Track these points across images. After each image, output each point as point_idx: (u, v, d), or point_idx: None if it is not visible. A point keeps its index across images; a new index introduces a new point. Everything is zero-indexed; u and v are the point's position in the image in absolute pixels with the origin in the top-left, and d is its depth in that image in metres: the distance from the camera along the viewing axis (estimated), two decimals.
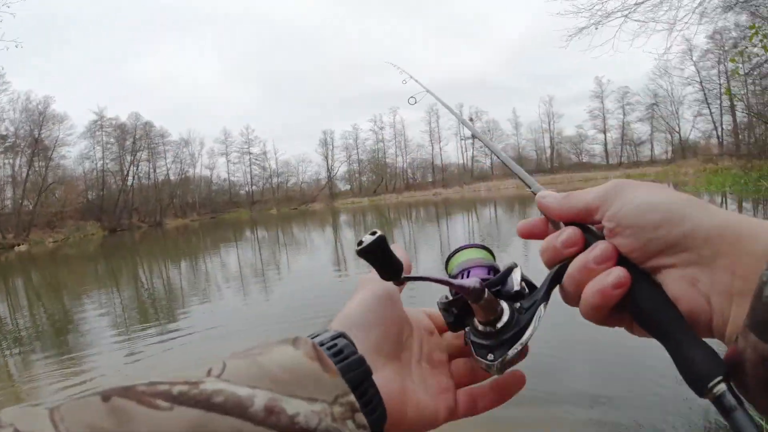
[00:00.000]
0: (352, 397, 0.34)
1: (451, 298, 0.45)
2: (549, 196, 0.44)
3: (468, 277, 0.46)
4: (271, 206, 70.16)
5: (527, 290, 0.43)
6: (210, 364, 0.34)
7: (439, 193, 61.88)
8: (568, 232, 0.40)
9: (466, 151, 74.60)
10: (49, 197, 53.28)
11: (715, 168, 31.05)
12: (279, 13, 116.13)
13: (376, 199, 65.18)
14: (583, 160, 70.74)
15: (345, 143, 76.46)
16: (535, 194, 0.47)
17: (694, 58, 47.82)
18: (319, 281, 9.63)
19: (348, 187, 77.72)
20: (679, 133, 61.41)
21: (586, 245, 0.39)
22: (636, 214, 0.36)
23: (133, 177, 65.47)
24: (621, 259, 0.36)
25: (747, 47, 6.80)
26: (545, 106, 73.19)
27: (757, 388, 0.30)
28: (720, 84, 44.28)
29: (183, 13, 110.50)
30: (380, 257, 0.39)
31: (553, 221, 0.44)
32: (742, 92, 13.04)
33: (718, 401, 0.31)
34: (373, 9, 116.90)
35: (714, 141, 54.92)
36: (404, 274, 0.41)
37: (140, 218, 63.11)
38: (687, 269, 0.33)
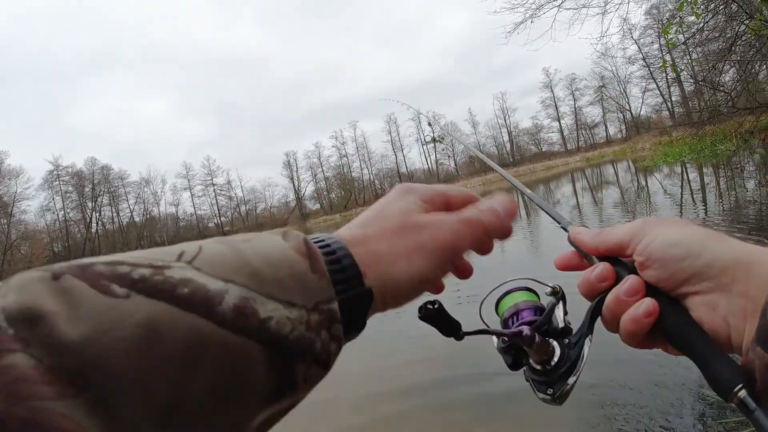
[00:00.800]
0: (334, 305, 0.32)
1: (507, 342, 0.49)
2: (582, 232, 0.48)
3: (519, 319, 0.50)
4: None
5: (570, 325, 0.48)
6: (185, 244, 0.29)
7: None
8: (600, 269, 0.45)
9: (430, 155, 75.45)
10: (15, 254, 51.32)
11: (669, 140, 32.16)
12: (223, 42, 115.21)
13: (348, 215, 65.05)
14: (543, 150, 72.40)
15: (309, 162, 76.28)
16: (566, 230, 0.52)
17: (634, 36, 49.69)
18: None
19: (318, 206, 77.38)
20: (630, 110, 63.56)
21: (618, 278, 0.44)
22: (662, 249, 0.40)
23: (97, 223, 63.70)
24: (652, 289, 0.42)
25: (681, 17, 7.05)
26: (499, 102, 74.76)
27: (764, 392, 0.35)
28: (662, 57, 46.06)
29: (124, 53, 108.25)
30: (439, 321, 0.45)
31: (585, 254, 0.48)
32: (686, 61, 13.56)
33: (741, 404, 0.36)
34: (318, 28, 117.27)
35: (665, 114, 57.05)
36: (462, 331, 0.45)
37: None
38: (708, 296, 0.38)
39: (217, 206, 74.66)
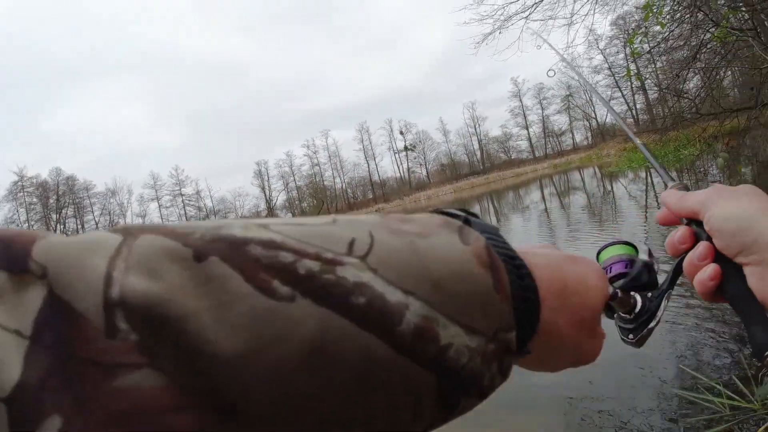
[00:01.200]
0: (512, 335, 0.27)
1: None
2: (670, 195, 0.52)
3: (610, 272, 0.55)
4: None
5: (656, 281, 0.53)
6: (347, 224, 0.24)
7: (382, 209, 62.30)
8: (681, 233, 0.50)
9: (402, 163, 75.90)
10: None
11: (634, 146, 33.22)
12: (196, 51, 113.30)
13: None
14: (512, 157, 73.86)
15: (281, 171, 75.61)
16: (666, 185, 0.57)
17: (600, 46, 51.45)
18: None
19: (290, 215, 76.66)
20: (595, 118, 65.63)
21: (697, 240, 0.49)
22: (719, 222, 0.45)
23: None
24: (720, 255, 0.46)
25: (647, 26, 7.32)
26: (469, 111, 75.93)
27: None
28: (627, 66, 47.79)
29: (93, 61, 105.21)
30: None
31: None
32: (650, 70, 14.11)
33: None
34: (296, 38, 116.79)
35: (630, 121, 59.10)
36: None
37: None
38: (758, 267, 0.42)
39: (186, 217, 72.98)
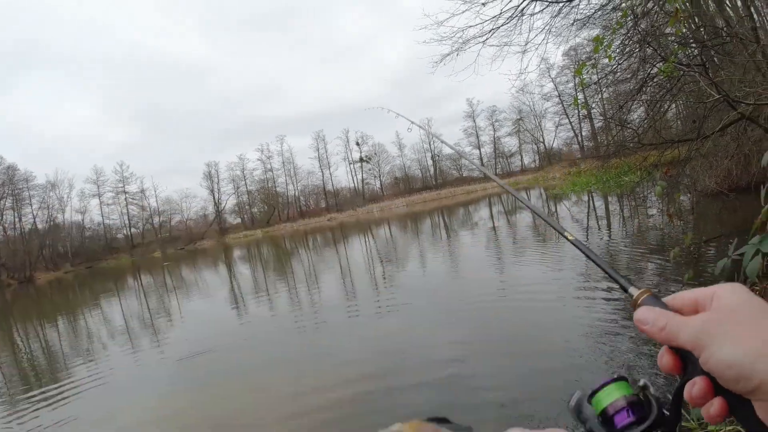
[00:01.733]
0: None
1: None
2: (645, 317, 0.50)
3: (615, 425, 0.52)
4: (154, 248, 64.80)
5: (661, 409, 0.51)
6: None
7: (334, 218, 61.96)
8: (668, 360, 0.49)
9: (356, 174, 75.96)
10: None
11: (578, 170, 35.05)
12: (152, 49, 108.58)
13: (270, 230, 63.35)
14: (464, 175, 75.62)
15: (232, 175, 73.67)
16: (626, 290, 0.57)
17: (552, 75, 53.91)
18: (214, 326, 9.03)
19: (239, 220, 74.65)
20: (543, 142, 68.63)
21: (685, 367, 0.48)
22: (718, 369, 0.43)
23: None
24: (719, 387, 0.45)
25: (596, 58, 7.70)
26: (425, 127, 77.27)
27: None
28: (575, 95, 50.24)
29: (45, 49, 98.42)
30: None
31: None
32: (597, 99, 14.83)
33: None
34: (259, 43, 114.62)
35: (576, 147, 62.25)
36: None
37: (9, 275, 54.57)
38: (763, 403, 0.42)
39: (128, 216, 69.59)
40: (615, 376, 0.55)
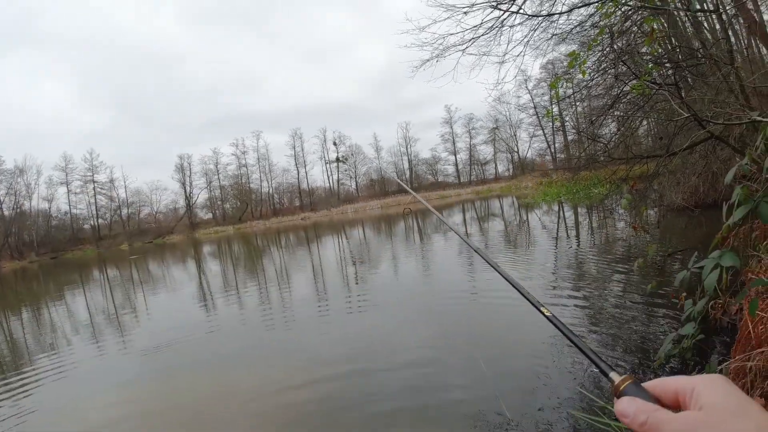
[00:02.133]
0: None
1: None
2: (626, 414, 0.49)
3: None
4: (121, 241, 63.04)
5: None
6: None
7: (308, 217, 61.55)
8: None
9: (332, 174, 75.69)
10: None
11: (549, 181, 35.85)
12: (136, 33, 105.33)
13: (241, 227, 62.44)
14: (439, 180, 76.36)
15: (204, 168, 72.37)
16: (606, 375, 0.57)
17: (529, 87, 55.06)
18: (181, 321, 8.86)
19: (210, 215, 73.33)
20: (518, 152, 69.92)
21: None
22: None
23: None
24: None
25: (571, 73, 7.92)
26: (403, 131, 78.05)
27: None
28: (550, 107, 51.34)
29: (19, 28, 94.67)
30: None
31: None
32: (571, 113, 15.19)
33: None
34: (236, 36, 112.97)
35: (548, 158, 63.68)
36: None
37: None
38: None
39: (96, 206, 67.48)
40: None
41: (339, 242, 23.07)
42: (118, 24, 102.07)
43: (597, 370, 0.60)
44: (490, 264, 0.94)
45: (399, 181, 2.60)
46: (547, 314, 0.74)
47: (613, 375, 0.56)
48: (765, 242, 3.20)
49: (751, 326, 2.48)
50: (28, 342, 9.38)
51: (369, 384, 4.52)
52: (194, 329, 7.92)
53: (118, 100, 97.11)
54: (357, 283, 10.41)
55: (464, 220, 25.17)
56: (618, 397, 0.52)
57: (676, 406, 0.49)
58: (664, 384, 0.51)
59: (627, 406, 0.50)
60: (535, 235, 13.97)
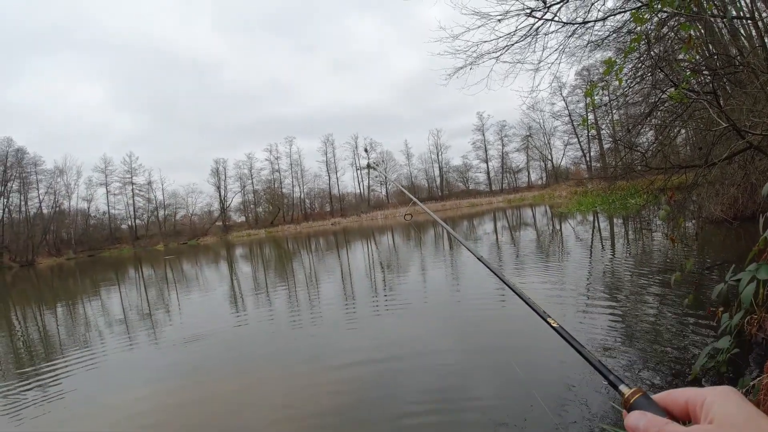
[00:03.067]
0: None
1: None
2: (636, 429, 0.49)
3: None
4: (157, 241, 65.09)
5: None
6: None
7: (338, 223, 62.06)
8: None
9: (363, 180, 76.15)
10: None
11: (584, 190, 35.01)
12: (176, 41, 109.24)
13: (273, 231, 63.50)
14: (470, 188, 75.68)
15: (239, 173, 74.04)
16: (616, 388, 0.57)
17: (563, 94, 54.05)
18: (211, 319, 9.08)
19: (243, 218, 74.90)
20: (551, 160, 68.65)
21: None
22: None
23: (4, 210, 57.38)
24: None
25: (607, 80, 7.79)
26: (434, 138, 77.79)
27: None
28: (585, 115, 50.31)
29: (66, 35, 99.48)
30: None
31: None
32: (607, 121, 14.82)
33: None
34: (272, 43, 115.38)
35: (583, 166, 62.24)
36: None
37: (11, 257, 55.02)
38: None
39: (134, 207, 69.96)
40: None
41: (368, 248, 23.17)
42: (159, 31, 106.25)
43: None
44: (494, 273, 0.94)
45: (402, 188, 2.58)
46: (554, 325, 0.73)
47: (622, 388, 0.55)
48: None
49: None
50: (62, 334, 9.81)
51: (393, 392, 4.53)
52: (224, 327, 8.11)
53: (156, 104, 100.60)
54: (385, 288, 10.45)
55: (495, 228, 24.89)
56: (628, 411, 0.53)
57: (686, 418, 0.49)
58: (673, 396, 0.51)
59: (637, 420, 0.50)
60: (569, 245, 13.70)
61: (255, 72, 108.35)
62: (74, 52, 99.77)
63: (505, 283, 0.88)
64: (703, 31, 7.47)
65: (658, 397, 0.52)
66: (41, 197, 62.64)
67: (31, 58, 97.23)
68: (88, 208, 67.59)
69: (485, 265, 0.92)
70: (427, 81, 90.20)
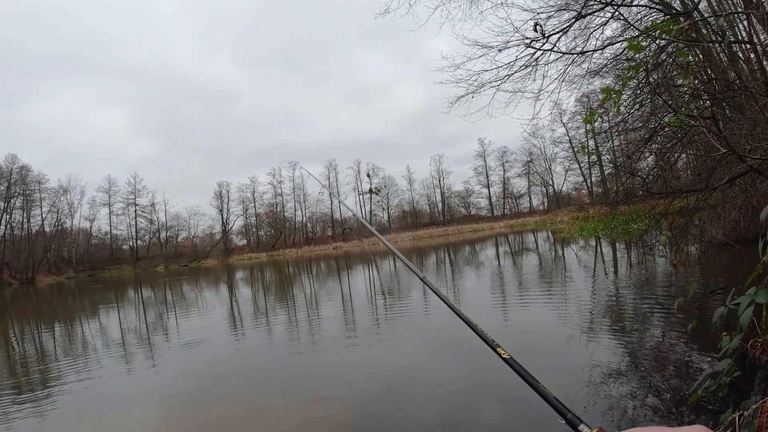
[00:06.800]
0: None
1: None
2: None
3: None
4: (158, 262, 64.94)
5: None
6: None
7: (340, 247, 61.97)
8: None
9: (365, 205, 76.35)
10: None
11: (586, 215, 35.02)
12: (194, 70, 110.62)
13: (274, 254, 63.38)
14: (472, 213, 75.76)
15: (242, 196, 74.27)
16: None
17: (564, 120, 54.56)
18: (212, 346, 9.00)
19: (245, 241, 74.84)
20: (552, 186, 68.86)
21: None
22: None
23: (6, 227, 57.63)
24: None
25: (606, 108, 7.88)
26: (436, 163, 78.08)
27: None
28: (586, 141, 50.66)
29: (79, 59, 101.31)
30: None
31: None
32: (608, 146, 14.92)
33: None
34: (285, 76, 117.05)
35: (585, 192, 62.38)
36: None
37: (11, 274, 54.94)
38: None
39: (136, 228, 70.05)
40: None
41: (369, 273, 23.09)
42: (175, 59, 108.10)
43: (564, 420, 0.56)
44: (441, 299, 0.90)
45: (363, 220, 2.44)
46: (505, 356, 0.69)
47: (582, 428, 0.53)
48: None
49: None
50: (58, 352, 9.70)
51: (393, 421, 4.46)
52: (222, 352, 8.03)
53: (166, 129, 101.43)
54: (386, 311, 10.37)
55: (497, 254, 24.82)
56: None
57: None
58: None
59: None
60: (572, 270, 13.63)
61: (265, 104, 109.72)
62: (94, 75, 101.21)
63: (453, 310, 0.83)
64: (701, 56, 7.60)
65: None
66: (44, 215, 62.95)
67: (48, 79, 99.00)
68: (90, 227, 67.76)
69: (433, 290, 0.89)
70: (430, 111, 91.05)
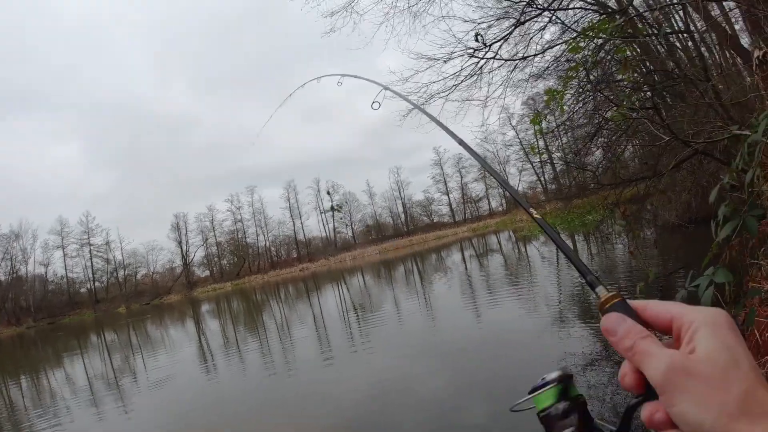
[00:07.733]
0: None
1: None
2: (614, 332, 0.46)
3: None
4: (119, 303, 62.06)
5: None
6: None
7: (306, 268, 61.16)
8: (630, 379, 0.44)
9: (328, 223, 75.85)
10: None
11: (543, 212, 36.01)
12: (146, 99, 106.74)
13: (240, 283, 61.85)
14: (434, 221, 76.63)
15: (200, 226, 72.21)
16: (592, 288, 0.53)
17: (513, 123, 56.22)
18: (182, 382, 8.66)
19: (207, 272, 72.70)
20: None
21: (648, 386, 0.43)
22: (679, 422, 0.40)
23: None
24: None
25: (551, 108, 8.15)
26: (395, 175, 78.74)
27: None
28: (536, 142, 52.36)
29: (24, 95, 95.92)
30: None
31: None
32: (557, 144, 15.40)
33: None
34: (239, 100, 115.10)
35: (540, 189, 64.28)
36: None
37: None
38: None
39: (92, 269, 66.78)
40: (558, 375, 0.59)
41: (338, 291, 22.89)
42: (130, 87, 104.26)
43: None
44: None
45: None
46: (537, 216, 0.73)
47: (599, 290, 0.51)
48: (762, 249, 3.24)
49: (758, 334, 2.49)
50: (27, 406, 9.08)
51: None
52: (194, 387, 7.73)
53: (120, 162, 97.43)
54: (359, 330, 10.28)
55: (463, 258, 25.14)
56: (604, 315, 0.48)
57: (665, 331, 0.45)
58: (656, 309, 0.46)
59: (616, 324, 0.46)
60: (536, 266, 13.97)
61: (221, 128, 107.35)
62: (44, 111, 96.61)
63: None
64: (639, 50, 8.00)
65: (638, 305, 0.47)
66: None
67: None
68: (46, 272, 64.19)
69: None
70: (385, 124, 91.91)
